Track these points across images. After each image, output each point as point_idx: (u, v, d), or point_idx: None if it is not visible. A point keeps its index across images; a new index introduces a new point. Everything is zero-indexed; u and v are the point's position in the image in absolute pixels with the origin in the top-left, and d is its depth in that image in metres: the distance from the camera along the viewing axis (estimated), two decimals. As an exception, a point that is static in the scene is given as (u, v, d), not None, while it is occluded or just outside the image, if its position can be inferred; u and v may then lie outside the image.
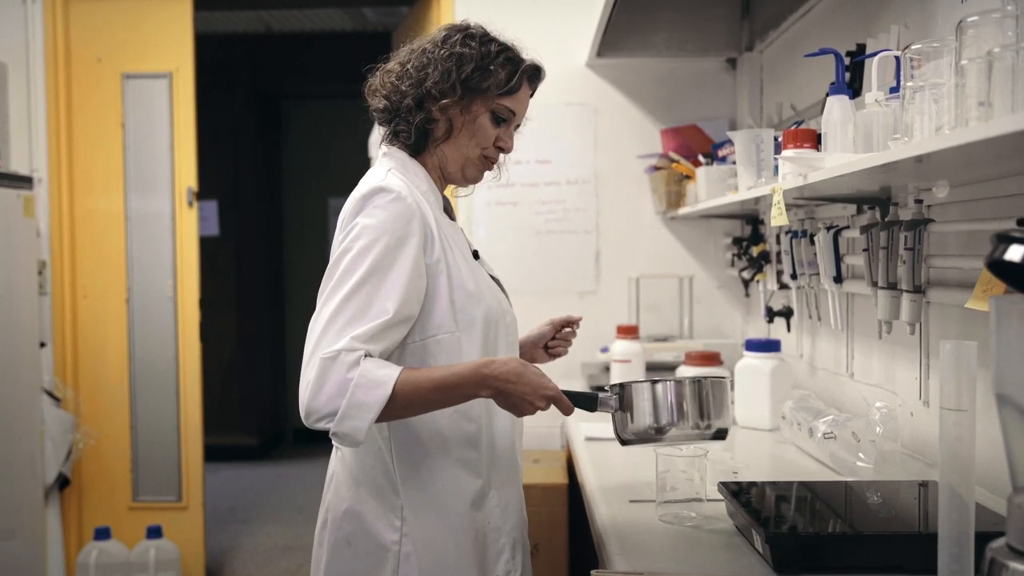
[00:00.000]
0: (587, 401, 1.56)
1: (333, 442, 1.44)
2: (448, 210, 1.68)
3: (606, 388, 1.60)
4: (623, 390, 1.56)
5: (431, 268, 1.50)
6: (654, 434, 1.54)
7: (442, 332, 1.51)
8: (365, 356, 1.39)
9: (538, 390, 1.44)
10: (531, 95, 1.65)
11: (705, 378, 1.57)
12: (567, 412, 1.52)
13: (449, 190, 1.71)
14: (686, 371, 2.58)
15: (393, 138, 1.62)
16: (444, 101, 1.55)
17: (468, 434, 1.54)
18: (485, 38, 1.59)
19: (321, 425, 1.39)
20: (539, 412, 1.50)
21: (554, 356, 1.87)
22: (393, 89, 1.59)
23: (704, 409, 1.54)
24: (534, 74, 1.63)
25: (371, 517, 1.53)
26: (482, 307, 1.54)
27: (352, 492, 1.56)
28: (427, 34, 1.65)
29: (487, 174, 1.68)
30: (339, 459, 1.61)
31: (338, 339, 1.39)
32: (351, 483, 1.56)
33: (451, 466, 1.53)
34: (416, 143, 1.60)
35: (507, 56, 1.59)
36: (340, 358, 1.38)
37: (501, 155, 1.64)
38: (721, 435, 1.58)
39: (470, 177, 1.64)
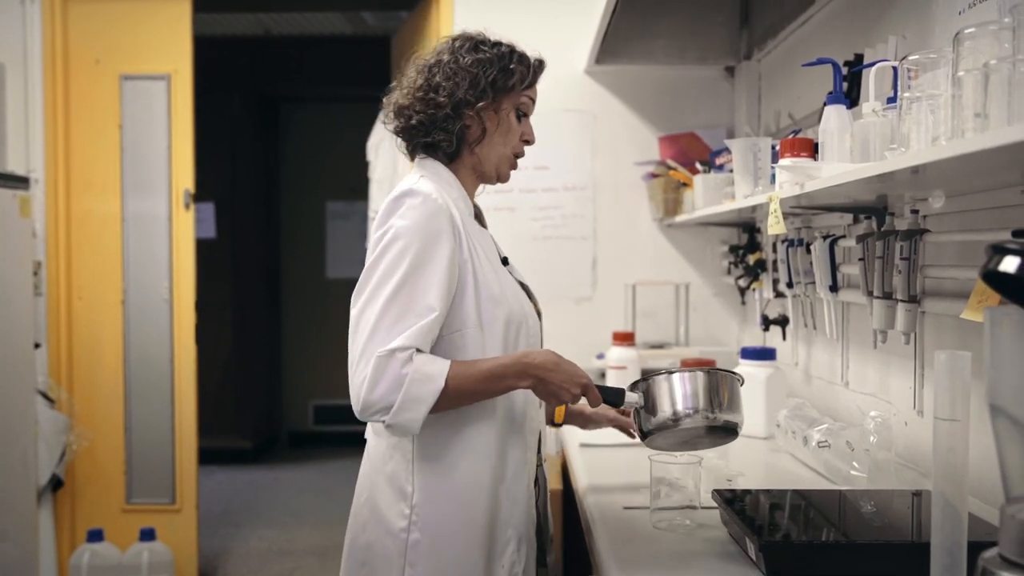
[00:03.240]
0: (614, 395, 1.64)
1: (388, 432, 1.57)
2: (479, 217, 1.78)
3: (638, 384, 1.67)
4: (647, 384, 1.63)
5: (460, 266, 1.59)
6: (672, 424, 1.61)
7: (466, 328, 1.59)
8: (416, 352, 1.50)
9: (573, 378, 1.56)
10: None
11: (720, 371, 1.64)
12: (595, 404, 1.62)
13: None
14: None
15: (430, 149, 1.70)
16: (480, 104, 1.65)
17: (483, 432, 1.61)
18: (493, 42, 1.70)
19: (376, 418, 1.51)
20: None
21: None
22: (428, 103, 1.65)
23: (723, 399, 1.61)
24: (540, 66, 1.74)
25: (384, 505, 1.61)
26: (504, 309, 1.63)
27: (370, 481, 1.66)
28: (433, 49, 1.72)
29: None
30: (367, 450, 1.70)
31: (389, 337, 1.49)
32: (371, 472, 1.66)
33: (470, 457, 1.60)
34: (456, 150, 1.68)
35: (518, 54, 1.70)
36: (395, 355, 1.48)
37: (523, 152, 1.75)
38: (732, 428, 1.63)
39: (503, 175, 1.75)
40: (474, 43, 1.68)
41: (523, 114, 1.72)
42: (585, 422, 1.94)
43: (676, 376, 1.62)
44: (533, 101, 1.74)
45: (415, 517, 1.58)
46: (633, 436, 1.90)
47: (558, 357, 1.57)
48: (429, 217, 1.55)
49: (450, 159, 1.70)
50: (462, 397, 1.54)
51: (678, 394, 1.61)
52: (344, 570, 1.66)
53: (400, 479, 1.60)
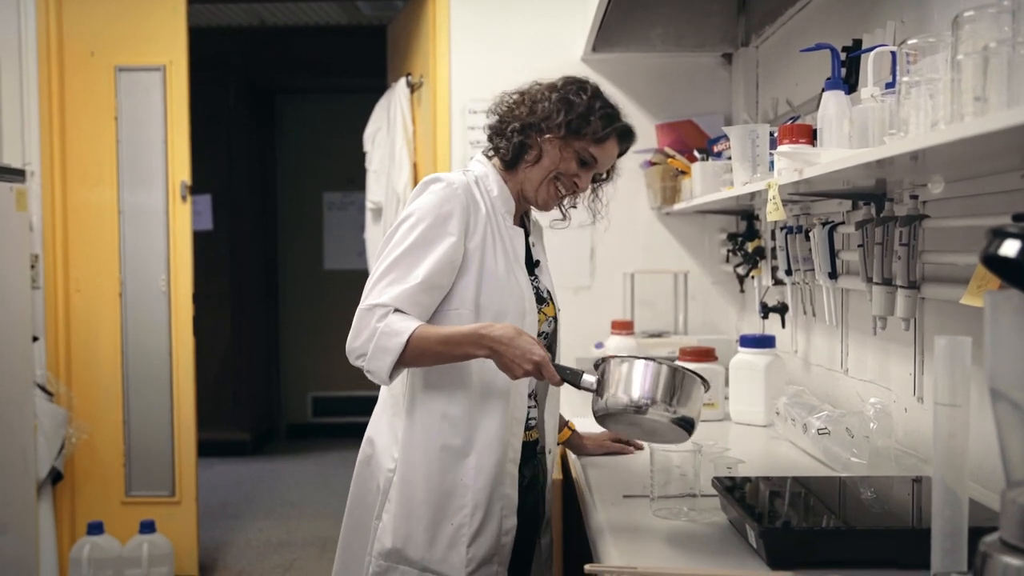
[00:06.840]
0: (572, 376, 1.65)
1: (368, 377, 1.73)
2: (524, 221, 1.92)
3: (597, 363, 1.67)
4: (604, 364, 1.63)
5: (468, 251, 1.74)
6: (632, 412, 1.58)
7: (464, 307, 1.74)
8: (394, 311, 1.67)
9: (526, 354, 1.62)
10: (620, 153, 1.89)
11: (680, 367, 1.61)
12: (553, 381, 1.67)
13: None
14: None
15: (491, 152, 1.87)
16: (546, 135, 1.80)
17: (455, 400, 1.76)
18: (596, 93, 1.84)
19: (357, 363, 1.71)
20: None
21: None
22: (508, 111, 1.85)
23: (675, 395, 1.57)
24: (624, 134, 1.86)
25: (380, 446, 1.83)
26: (498, 305, 1.75)
27: (375, 423, 1.87)
28: (552, 79, 1.91)
29: (564, 222, 1.97)
30: (381, 393, 1.89)
31: (378, 297, 1.69)
32: (381, 413, 1.86)
33: (445, 423, 1.76)
34: (511, 161, 1.83)
35: (607, 112, 1.82)
36: (374, 310, 1.68)
37: (571, 194, 1.86)
38: (687, 425, 1.58)
39: (542, 202, 1.85)
40: (579, 87, 1.84)
41: (584, 162, 1.81)
42: (579, 449, 2.09)
43: (638, 363, 1.59)
44: (597, 159, 1.82)
45: (399, 458, 1.78)
46: (630, 453, 2.09)
47: (517, 333, 1.64)
48: (443, 201, 1.72)
49: (507, 167, 1.85)
50: (424, 355, 1.68)
51: (636, 382, 1.57)
52: (353, 480, 1.87)
53: (396, 427, 1.80)
